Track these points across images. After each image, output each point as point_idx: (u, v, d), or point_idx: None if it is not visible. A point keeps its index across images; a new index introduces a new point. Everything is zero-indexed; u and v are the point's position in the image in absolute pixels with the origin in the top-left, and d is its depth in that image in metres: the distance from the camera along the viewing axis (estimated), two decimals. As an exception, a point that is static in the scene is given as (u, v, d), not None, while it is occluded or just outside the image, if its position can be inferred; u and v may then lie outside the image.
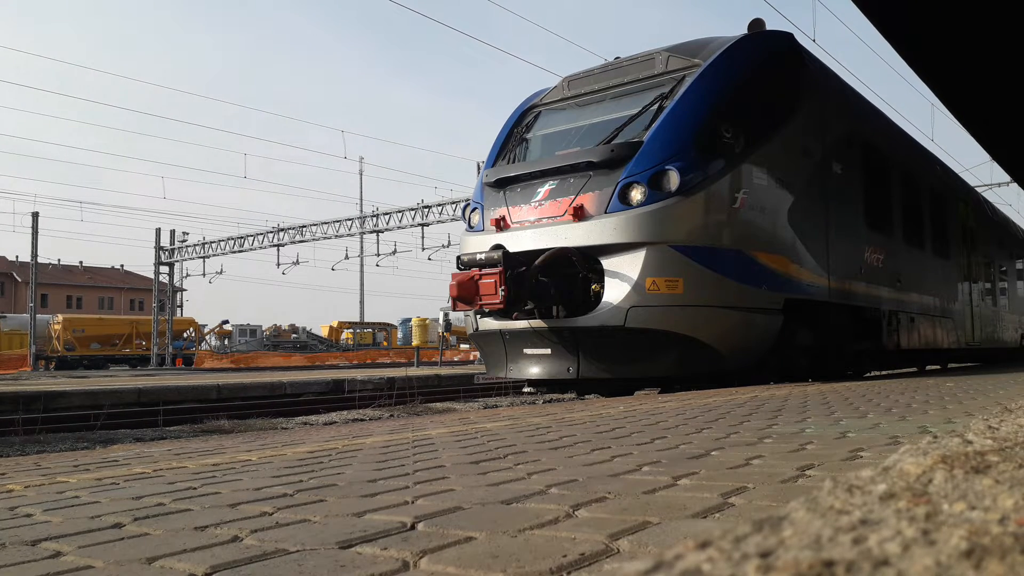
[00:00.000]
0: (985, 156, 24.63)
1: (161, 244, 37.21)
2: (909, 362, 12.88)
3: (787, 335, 7.92)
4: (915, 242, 12.05)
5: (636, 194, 7.02)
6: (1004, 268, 18.35)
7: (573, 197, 7.29)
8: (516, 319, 7.52)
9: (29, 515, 1.81)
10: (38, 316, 36.84)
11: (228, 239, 35.18)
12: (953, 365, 15.02)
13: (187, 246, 37.13)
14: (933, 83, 13.17)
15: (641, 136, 7.37)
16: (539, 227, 7.49)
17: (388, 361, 38.78)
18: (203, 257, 36.49)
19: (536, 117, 9.05)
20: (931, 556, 0.64)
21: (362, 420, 9.01)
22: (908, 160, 12.18)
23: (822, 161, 8.85)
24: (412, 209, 29.52)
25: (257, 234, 34.23)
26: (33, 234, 34.51)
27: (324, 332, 58.46)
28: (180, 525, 1.60)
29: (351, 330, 54.85)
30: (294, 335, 57.86)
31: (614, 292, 6.94)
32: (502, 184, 8.13)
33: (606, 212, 7.09)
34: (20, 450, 6.43)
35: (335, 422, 8.60)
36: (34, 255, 35.00)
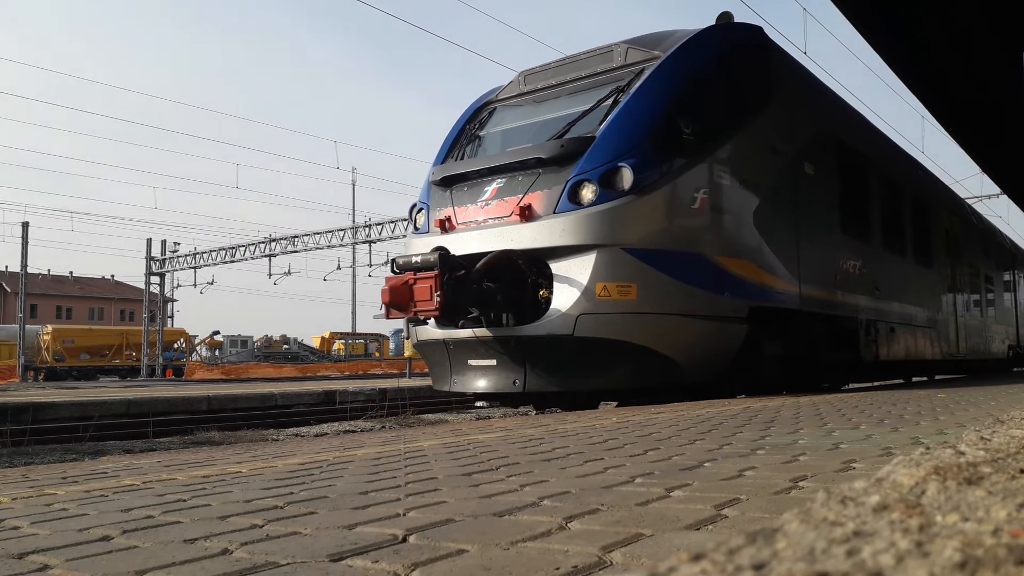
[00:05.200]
0: (975, 168, 24.83)
1: (152, 254, 37.10)
2: (890, 374, 12.53)
3: (754, 346, 7.50)
4: (895, 249, 11.68)
5: (587, 193, 6.58)
6: (990, 278, 18.01)
7: (521, 196, 6.85)
8: (463, 327, 7.06)
9: (16, 528, 1.79)
10: (27, 326, 36.63)
11: (219, 249, 35.11)
12: (940, 377, 14.78)
13: (178, 256, 37.03)
14: (923, 95, 13.27)
15: (594, 131, 6.90)
16: (485, 228, 7.03)
17: (380, 372, 38.66)
18: (194, 267, 36.39)
19: (491, 114, 8.58)
20: (925, 568, 0.64)
21: (354, 431, 8.97)
22: (887, 164, 11.87)
23: (793, 161, 8.46)
24: (405, 220, 29.52)
25: (249, 244, 34.18)
26: (23, 244, 34.36)
27: (316, 343, 58.29)
28: (169, 538, 1.59)
29: (343, 341, 54.72)
30: (285, 346, 57.67)
31: (563, 298, 6.50)
32: (448, 183, 7.66)
33: (555, 212, 6.64)
34: (8, 462, 6.38)
35: (326, 433, 8.57)
36: (24, 265, 34.82)
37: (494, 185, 7.16)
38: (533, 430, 3.98)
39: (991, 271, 18.07)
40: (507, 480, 2.21)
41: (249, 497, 2.09)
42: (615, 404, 7.23)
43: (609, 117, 6.94)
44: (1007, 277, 19.88)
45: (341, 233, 31.82)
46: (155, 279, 37.63)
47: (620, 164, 6.56)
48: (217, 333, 55.47)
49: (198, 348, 52.84)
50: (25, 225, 34.50)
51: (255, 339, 59.13)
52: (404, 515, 1.72)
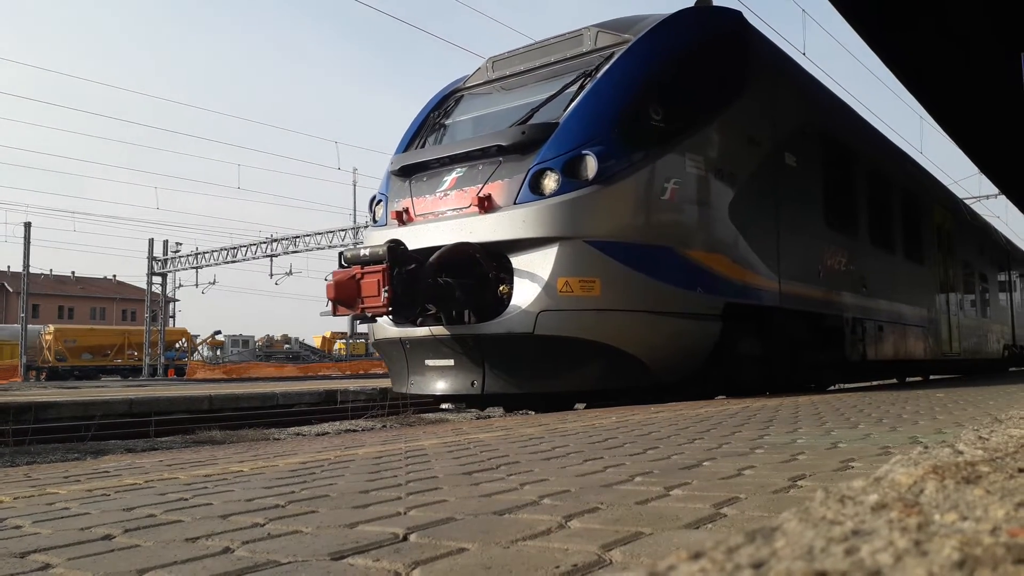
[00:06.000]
0: (974, 168, 24.82)
1: (154, 254, 37.12)
2: (880, 374, 12.24)
3: (730, 345, 7.16)
4: (884, 245, 11.28)
5: (549, 182, 6.24)
6: (985, 276, 17.65)
7: (480, 186, 6.49)
8: (422, 325, 6.70)
9: (18, 527, 1.79)
10: (29, 326, 36.64)
11: (221, 249, 35.15)
12: (935, 377, 14.59)
13: (180, 256, 37.06)
14: (922, 95, 13.27)
15: (558, 118, 6.54)
16: (443, 220, 6.67)
17: (381, 372, 38.66)
18: (196, 267, 36.41)
19: (457, 101, 8.19)
20: (923, 567, 0.64)
21: (355, 431, 8.98)
22: (876, 157, 11.47)
23: (772, 152, 8.08)
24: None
25: (250, 244, 34.20)
26: (25, 244, 34.37)
27: (317, 343, 58.33)
28: (171, 536, 1.59)
29: (344, 340, 54.70)
30: (287, 345, 57.71)
31: (523, 294, 6.14)
32: (407, 173, 7.29)
33: (515, 203, 6.29)
34: (10, 461, 6.38)
35: (327, 433, 8.57)
36: (26, 265, 34.83)
37: (453, 175, 6.82)
38: (533, 429, 3.98)
39: (986, 269, 17.73)
40: (507, 479, 2.22)
41: (250, 496, 2.09)
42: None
43: (574, 103, 6.61)
44: (1002, 276, 19.56)
45: (342, 233, 31.82)
46: (157, 279, 37.66)
47: (584, 152, 6.25)
48: (219, 333, 55.54)
49: (200, 348, 52.87)
50: (27, 225, 34.53)
51: (256, 339, 59.18)
52: (405, 514, 1.73)
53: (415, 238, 6.61)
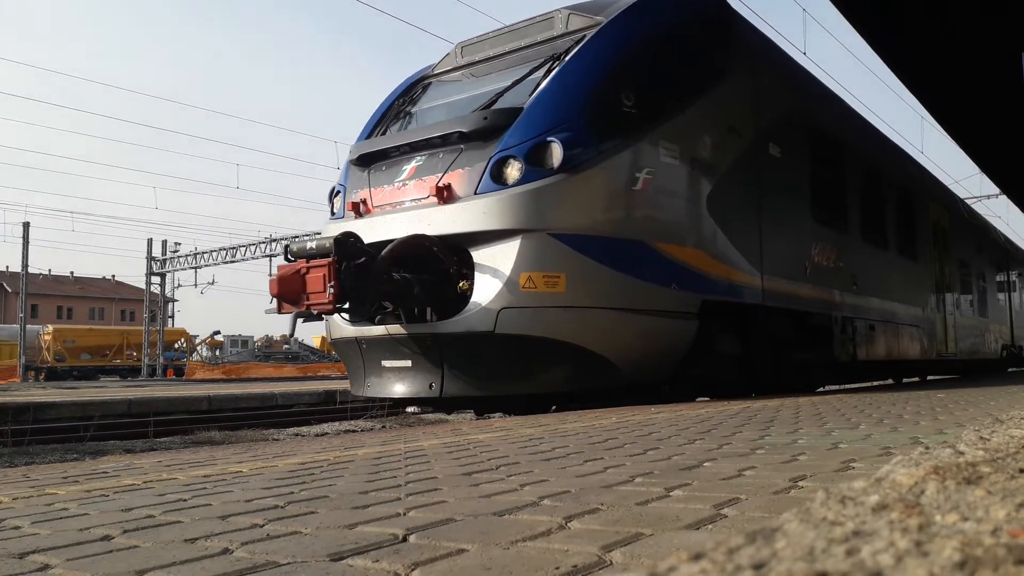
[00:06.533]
0: (975, 168, 24.84)
1: (153, 254, 37.11)
2: (873, 375, 11.94)
3: (708, 344, 6.82)
4: (876, 242, 10.88)
5: (511, 171, 5.89)
6: (983, 275, 17.34)
7: (440, 175, 6.13)
8: (379, 323, 6.33)
9: (17, 527, 1.79)
10: (28, 326, 36.63)
11: (220, 249, 35.12)
12: (932, 377, 14.42)
13: (179, 256, 37.05)
14: (922, 95, 13.28)
15: (523, 103, 6.19)
16: (401, 211, 6.30)
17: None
18: (195, 267, 36.40)
19: (424, 89, 7.79)
20: (924, 568, 0.64)
21: (354, 431, 8.98)
22: (869, 151, 11.09)
23: (755, 142, 7.72)
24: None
25: (249, 244, 34.18)
26: (24, 244, 34.35)
27: (316, 343, 58.27)
28: (170, 537, 1.59)
29: (343, 341, 54.49)
30: (286, 346, 57.69)
31: (484, 291, 5.79)
32: (366, 162, 6.92)
33: (476, 193, 5.94)
34: (9, 461, 6.38)
35: (327, 433, 8.57)
36: (25, 265, 34.81)
37: (413, 163, 6.46)
38: (533, 429, 3.98)
39: (984, 268, 17.44)
40: (507, 479, 2.21)
41: (250, 497, 2.09)
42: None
43: (540, 87, 6.26)
44: (1001, 275, 19.27)
45: (341, 233, 31.76)
46: (156, 279, 37.65)
47: (549, 139, 5.90)
48: (218, 333, 55.52)
49: (199, 348, 52.87)
50: (26, 225, 34.51)
51: (255, 339, 59.17)
52: (404, 514, 1.73)
53: (372, 231, 6.24)
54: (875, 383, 12.04)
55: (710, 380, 7.19)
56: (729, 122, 7.35)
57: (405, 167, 6.50)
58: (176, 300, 47.98)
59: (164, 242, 37.75)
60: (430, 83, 7.83)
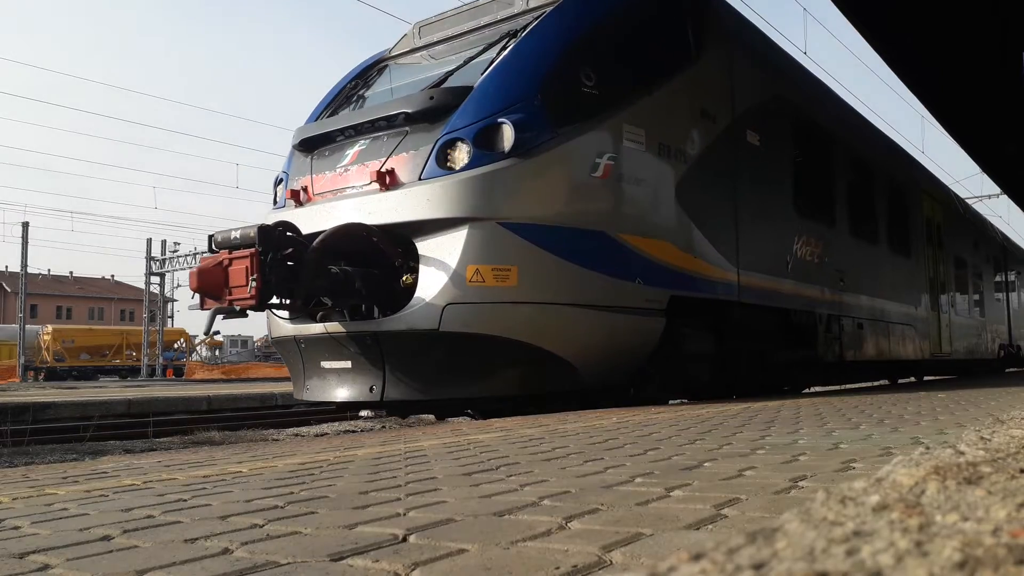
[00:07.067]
0: (975, 168, 24.85)
1: (152, 254, 37.11)
2: (864, 376, 11.62)
3: (677, 343, 6.44)
4: (865, 237, 10.40)
5: (458, 154, 5.47)
6: (980, 273, 16.92)
7: (384, 160, 5.73)
8: (322, 320, 5.93)
9: (17, 527, 1.79)
10: (27, 326, 36.64)
11: (220, 249, 35.02)
12: (929, 378, 14.26)
13: (178, 256, 37.03)
14: (923, 95, 13.29)
15: (475, 82, 5.78)
16: (342, 199, 5.89)
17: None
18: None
19: (380, 72, 7.32)
20: (924, 567, 0.64)
21: (354, 431, 8.98)
22: (857, 141, 10.61)
23: (731, 128, 7.26)
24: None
25: (249, 244, 34.10)
26: (23, 244, 34.37)
27: (316, 343, 58.16)
28: (170, 537, 1.59)
29: (343, 341, 54.54)
30: (286, 346, 57.60)
31: (428, 285, 5.37)
32: (309, 147, 6.51)
33: (420, 179, 5.51)
34: (8, 461, 6.38)
35: (326, 433, 8.57)
36: (24, 265, 34.82)
37: (356, 147, 6.04)
38: (533, 430, 3.98)
39: (981, 266, 17.04)
40: (507, 480, 2.21)
41: (249, 497, 2.09)
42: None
43: (493, 65, 5.83)
44: (998, 273, 18.89)
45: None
46: (155, 279, 37.66)
47: (500, 120, 5.47)
48: (217, 333, 55.45)
49: (198, 348, 52.86)
50: (25, 225, 34.53)
51: (255, 339, 59.15)
52: (404, 515, 1.73)
53: (311, 220, 5.85)
54: (871, 384, 11.97)
55: (681, 381, 6.84)
56: (702, 106, 6.92)
57: (348, 151, 6.10)
58: (176, 300, 47.98)
59: (164, 242, 37.76)
60: (386, 66, 7.39)
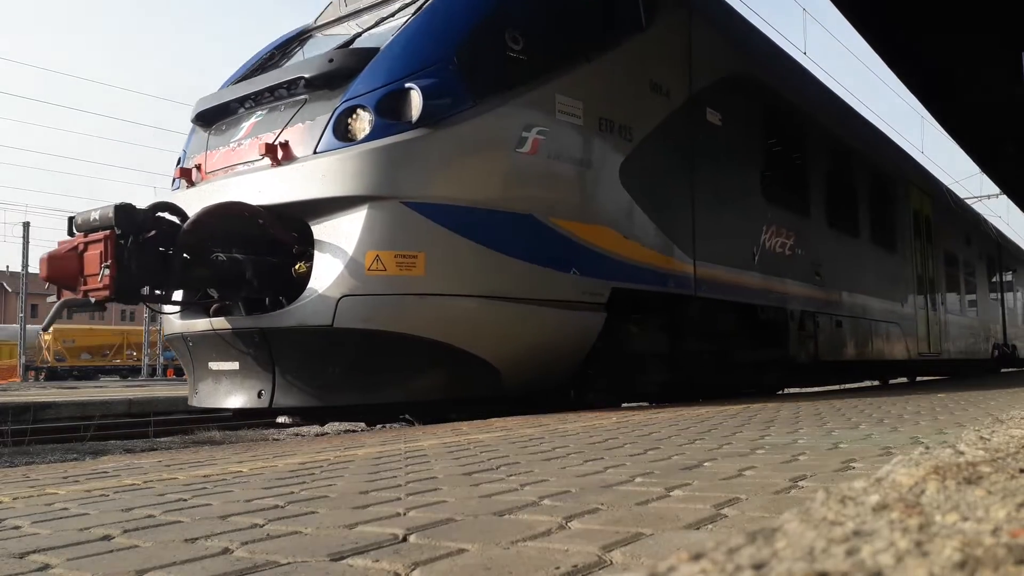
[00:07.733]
0: (975, 168, 24.85)
1: (153, 254, 37.04)
2: (841, 377, 11.08)
3: (620, 341, 5.88)
4: (845, 229, 9.76)
5: (359, 124, 4.80)
6: (973, 270, 16.35)
7: (279, 131, 5.09)
8: (214, 315, 5.21)
9: (17, 527, 1.79)
10: (28, 327, 36.64)
11: (220, 249, 35.03)
12: (922, 379, 13.99)
13: (179, 256, 36.96)
14: (922, 95, 13.29)
15: (383, 43, 5.13)
16: (232, 177, 5.25)
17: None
18: (195, 267, 36.32)
19: (303, 43, 6.58)
20: (924, 567, 0.64)
21: (354, 431, 8.97)
22: (836, 127, 9.91)
23: (688, 105, 6.61)
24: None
25: (249, 244, 34.11)
26: (24, 244, 34.35)
27: (316, 343, 58.17)
28: (170, 537, 1.59)
29: (343, 341, 54.51)
30: (286, 346, 57.60)
31: (322, 275, 4.71)
32: (208, 120, 5.87)
33: (315, 152, 4.85)
34: (9, 461, 6.38)
35: (327, 433, 8.56)
36: (25, 265, 34.80)
37: (253, 119, 5.41)
38: (533, 429, 3.98)
39: (974, 263, 16.46)
40: (507, 479, 2.21)
41: (250, 496, 2.09)
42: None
43: (406, 24, 5.19)
44: (992, 270, 18.28)
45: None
46: (155, 279, 37.58)
47: (408, 85, 4.80)
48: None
49: (198, 348, 52.86)
50: (26, 225, 34.48)
51: (255, 339, 59.08)
52: (404, 514, 1.73)
53: (201, 201, 5.09)
54: (860, 385, 11.81)
55: (630, 384, 6.30)
56: (651, 78, 6.26)
57: (244, 124, 5.48)
58: (176, 300, 47.97)
59: (164, 242, 37.70)
60: (309, 36, 6.65)
